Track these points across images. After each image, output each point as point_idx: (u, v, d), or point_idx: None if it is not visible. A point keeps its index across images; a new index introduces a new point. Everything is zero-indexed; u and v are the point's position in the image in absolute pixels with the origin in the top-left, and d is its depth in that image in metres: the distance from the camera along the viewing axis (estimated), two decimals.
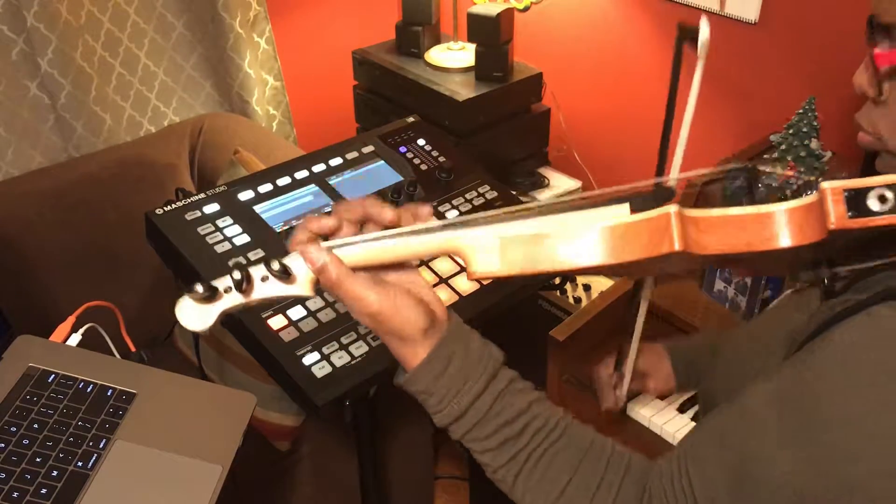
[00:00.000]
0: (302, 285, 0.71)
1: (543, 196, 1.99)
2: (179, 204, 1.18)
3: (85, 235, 1.68)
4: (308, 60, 2.27)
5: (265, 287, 0.70)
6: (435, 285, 1.16)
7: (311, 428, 1.55)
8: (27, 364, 1.03)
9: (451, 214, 1.27)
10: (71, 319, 1.12)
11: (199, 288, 0.68)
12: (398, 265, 0.73)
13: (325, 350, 1.03)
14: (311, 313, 1.07)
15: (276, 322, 1.05)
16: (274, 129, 2.18)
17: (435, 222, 0.71)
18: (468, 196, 1.31)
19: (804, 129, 1.42)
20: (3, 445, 0.93)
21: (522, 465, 0.73)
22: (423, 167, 1.33)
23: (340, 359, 1.03)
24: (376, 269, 0.72)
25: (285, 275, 0.70)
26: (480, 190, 1.33)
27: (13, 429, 0.95)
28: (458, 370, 0.72)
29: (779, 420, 0.66)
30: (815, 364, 0.65)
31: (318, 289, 0.70)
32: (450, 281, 1.18)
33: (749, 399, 0.70)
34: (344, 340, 1.05)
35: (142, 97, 1.94)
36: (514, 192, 1.48)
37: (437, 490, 2.05)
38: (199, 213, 1.17)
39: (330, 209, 1.23)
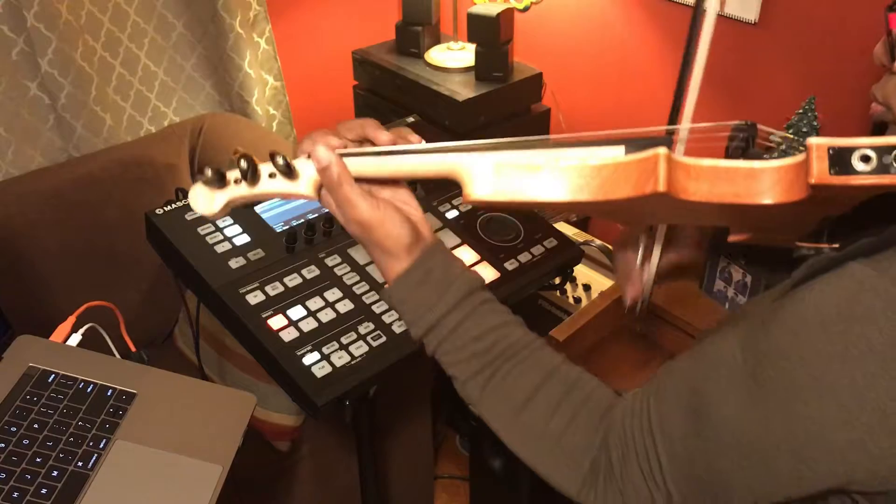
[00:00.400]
0: (305, 185, 0.75)
1: None
2: (179, 204, 1.18)
3: (85, 235, 1.68)
4: (308, 60, 2.27)
5: (271, 183, 0.75)
6: None
7: (311, 428, 1.55)
8: (27, 364, 1.03)
9: (451, 214, 1.27)
10: (71, 319, 1.12)
11: (209, 171, 0.73)
12: (393, 183, 0.78)
13: (325, 350, 1.04)
14: (311, 313, 1.07)
15: (276, 322, 1.05)
16: (274, 129, 2.18)
17: (435, 145, 0.74)
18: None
19: (804, 129, 1.42)
20: (3, 445, 0.93)
21: (487, 381, 0.77)
22: None
23: (340, 359, 1.03)
24: (372, 183, 0.76)
25: (289, 171, 0.74)
26: None
27: (13, 429, 0.95)
28: (436, 283, 0.76)
29: (740, 363, 0.67)
30: (783, 317, 0.65)
31: (320, 193, 0.75)
32: None
33: (713, 343, 0.71)
34: (344, 340, 1.05)
35: (142, 97, 1.94)
36: None
37: (437, 490, 2.06)
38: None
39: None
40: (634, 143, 0.71)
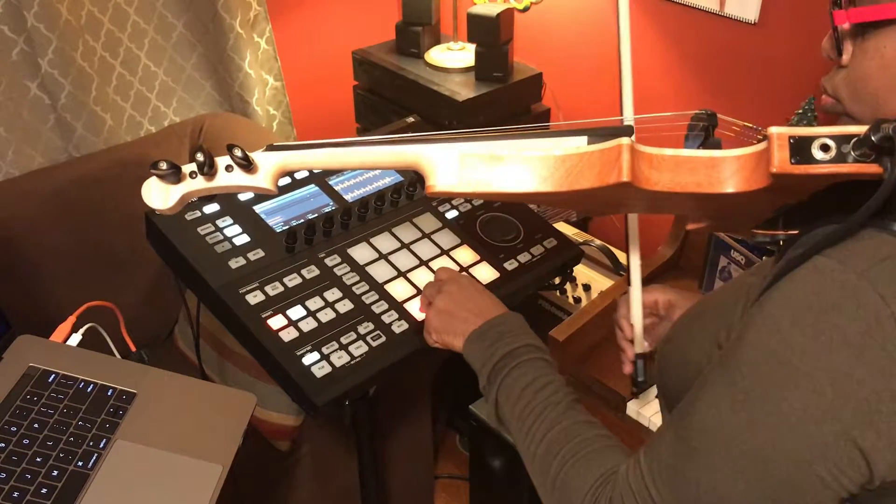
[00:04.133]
0: (264, 178, 0.74)
1: None
2: None
3: (85, 235, 1.68)
4: (308, 60, 2.27)
5: (228, 176, 0.73)
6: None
7: (311, 428, 1.55)
8: (27, 364, 1.03)
9: (451, 214, 1.27)
10: (71, 319, 1.12)
11: (163, 164, 0.71)
12: None
13: (325, 350, 1.04)
14: (311, 313, 1.07)
15: (276, 322, 1.05)
16: (274, 129, 2.18)
17: (398, 136, 0.74)
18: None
19: None
20: (3, 445, 0.93)
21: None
22: None
23: (340, 359, 1.03)
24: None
25: (248, 164, 0.72)
26: None
27: (13, 429, 0.95)
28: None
29: (720, 378, 0.67)
30: (755, 322, 0.65)
31: (279, 185, 0.75)
32: None
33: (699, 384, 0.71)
34: (344, 340, 1.05)
35: (142, 97, 1.94)
36: None
37: (437, 490, 2.06)
38: (199, 213, 1.17)
39: (330, 209, 1.23)
40: (597, 134, 0.71)
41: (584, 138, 0.71)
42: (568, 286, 1.79)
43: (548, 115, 2.03)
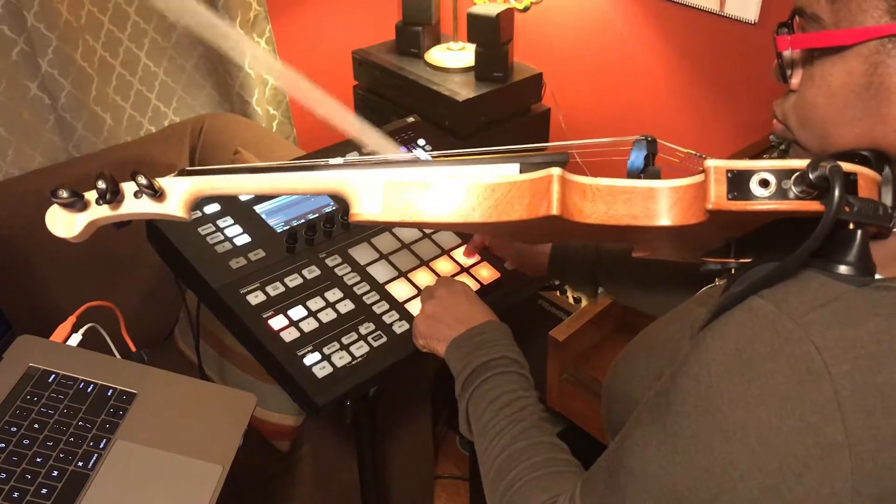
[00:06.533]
0: (176, 206, 0.70)
1: None
2: None
3: None
4: (308, 60, 2.27)
5: (137, 203, 0.70)
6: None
7: (311, 428, 1.55)
8: (27, 364, 1.03)
9: None
10: (71, 319, 1.12)
11: (64, 193, 0.68)
12: None
13: (326, 350, 1.04)
14: (312, 313, 1.07)
15: (277, 322, 1.05)
16: (274, 129, 2.18)
17: (328, 160, 0.71)
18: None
19: None
20: (3, 445, 0.93)
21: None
22: None
23: (341, 359, 1.03)
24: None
25: (152, 191, 0.69)
26: None
27: (13, 429, 0.95)
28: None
29: (651, 418, 0.65)
30: (687, 363, 0.62)
31: (191, 212, 0.72)
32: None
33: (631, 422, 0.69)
34: (345, 341, 1.05)
35: (142, 97, 1.94)
36: None
37: (437, 490, 2.06)
38: (199, 214, 1.17)
39: (330, 209, 1.23)
40: (530, 162, 0.68)
41: (517, 165, 0.68)
42: (568, 286, 1.79)
43: (548, 115, 2.03)
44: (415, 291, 1.13)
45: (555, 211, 0.61)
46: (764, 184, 0.56)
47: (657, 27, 1.83)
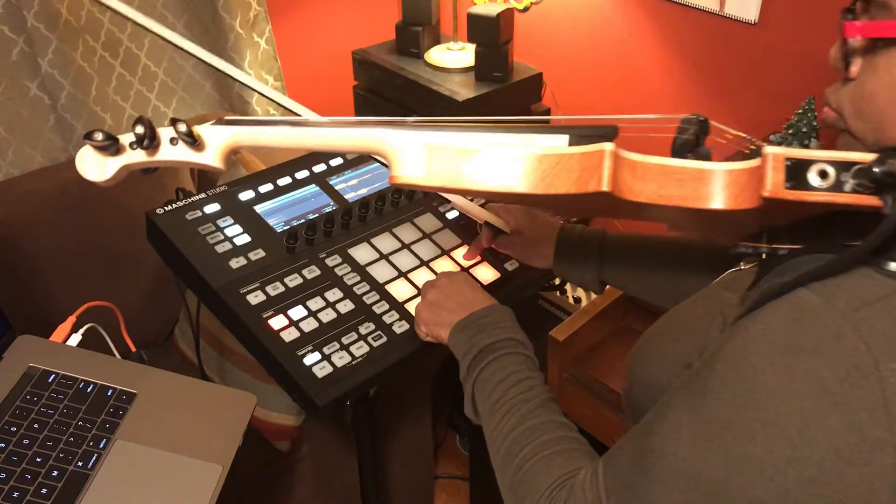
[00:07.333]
0: (212, 155, 0.69)
1: None
2: (180, 204, 1.18)
3: (85, 235, 1.68)
4: (308, 60, 2.27)
5: (173, 150, 0.68)
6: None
7: (311, 428, 1.55)
8: (27, 364, 1.03)
9: (451, 215, 1.27)
10: (71, 319, 1.12)
11: (99, 135, 0.67)
12: None
13: (326, 350, 1.04)
14: (312, 313, 1.07)
15: (277, 322, 1.05)
16: None
17: (363, 119, 0.69)
18: (468, 196, 1.31)
19: (804, 129, 1.42)
20: (3, 445, 0.93)
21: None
22: None
23: (341, 359, 1.03)
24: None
25: (190, 139, 0.67)
26: None
27: (13, 429, 0.95)
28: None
29: (685, 402, 0.64)
30: (727, 350, 0.62)
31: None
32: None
33: (662, 402, 0.69)
34: (345, 341, 1.05)
35: (142, 97, 1.94)
36: None
37: (437, 490, 2.06)
38: (199, 213, 1.17)
39: (331, 209, 1.23)
40: (579, 133, 0.65)
41: (566, 137, 0.65)
42: (568, 286, 1.79)
43: (548, 116, 2.03)
44: (415, 291, 1.13)
45: (605, 187, 0.59)
46: (822, 175, 0.56)
47: (657, 27, 1.83)
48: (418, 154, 0.64)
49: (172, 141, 0.68)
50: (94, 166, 0.69)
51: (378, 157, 0.68)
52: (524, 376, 0.84)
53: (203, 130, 0.68)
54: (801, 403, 0.57)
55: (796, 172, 0.56)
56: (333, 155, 1.32)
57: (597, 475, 0.71)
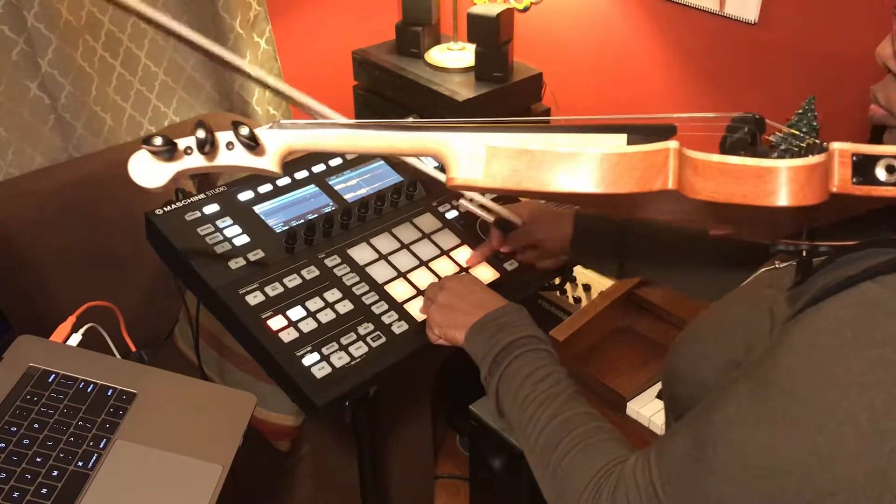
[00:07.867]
0: (270, 160, 0.67)
1: None
2: (179, 204, 1.18)
3: (85, 235, 1.68)
4: (308, 60, 2.27)
5: (230, 155, 0.67)
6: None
7: (311, 428, 1.55)
8: (27, 364, 1.03)
9: (451, 215, 1.27)
10: (71, 319, 1.12)
11: (158, 140, 0.65)
12: None
13: (325, 351, 1.04)
14: (311, 314, 1.07)
15: (276, 323, 1.05)
16: None
17: (419, 122, 0.68)
18: (468, 195, 1.31)
19: (804, 129, 1.42)
20: (3, 445, 0.93)
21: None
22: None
23: (340, 359, 1.03)
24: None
25: (252, 143, 0.66)
26: None
27: (13, 429, 0.95)
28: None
29: (746, 393, 0.65)
30: (790, 342, 0.62)
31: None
32: None
33: (718, 391, 0.69)
34: (343, 341, 1.05)
35: (142, 97, 1.94)
36: None
37: (437, 490, 2.06)
38: (198, 214, 1.17)
39: (330, 209, 1.23)
40: (638, 132, 0.65)
41: (624, 136, 0.65)
42: (568, 286, 1.79)
43: (548, 116, 2.03)
44: (414, 292, 1.14)
45: (671, 185, 0.59)
46: (890, 169, 0.56)
47: (657, 27, 1.83)
48: (478, 156, 0.64)
49: (229, 146, 0.67)
50: (149, 172, 0.67)
51: (435, 160, 0.67)
52: (550, 370, 0.85)
53: (260, 134, 0.67)
54: (871, 395, 0.58)
55: (863, 167, 0.56)
56: (333, 155, 1.32)
57: (648, 463, 0.71)
